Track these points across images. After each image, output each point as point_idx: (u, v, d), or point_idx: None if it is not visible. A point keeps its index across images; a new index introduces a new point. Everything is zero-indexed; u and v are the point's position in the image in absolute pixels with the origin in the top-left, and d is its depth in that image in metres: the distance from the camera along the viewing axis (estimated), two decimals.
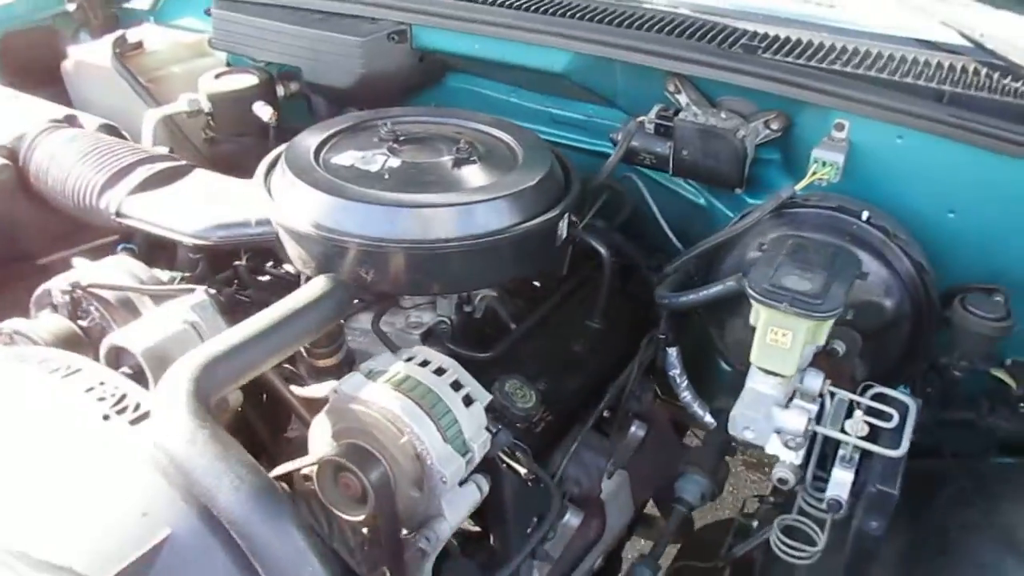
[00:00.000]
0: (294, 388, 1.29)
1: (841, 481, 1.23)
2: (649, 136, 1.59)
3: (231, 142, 1.92)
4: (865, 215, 1.38)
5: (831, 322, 1.17)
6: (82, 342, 1.26)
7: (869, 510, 1.15)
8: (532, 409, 1.36)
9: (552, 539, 1.38)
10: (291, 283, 1.59)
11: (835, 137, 1.44)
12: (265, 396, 1.36)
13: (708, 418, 1.67)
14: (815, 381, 1.24)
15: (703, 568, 1.71)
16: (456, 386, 1.12)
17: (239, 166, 1.64)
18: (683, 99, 1.59)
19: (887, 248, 1.38)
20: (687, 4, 1.68)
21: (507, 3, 1.71)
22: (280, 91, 1.94)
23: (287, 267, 1.64)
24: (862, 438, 1.21)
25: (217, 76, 1.91)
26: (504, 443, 1.17)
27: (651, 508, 1.94)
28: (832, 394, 1.26)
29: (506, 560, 1.21)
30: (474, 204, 1.35)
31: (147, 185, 1.50)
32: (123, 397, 0.98)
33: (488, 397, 1.16)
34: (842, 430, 1.23)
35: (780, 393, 1.22)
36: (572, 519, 1.48)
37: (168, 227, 1.43)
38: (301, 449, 1.14)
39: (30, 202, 1.61)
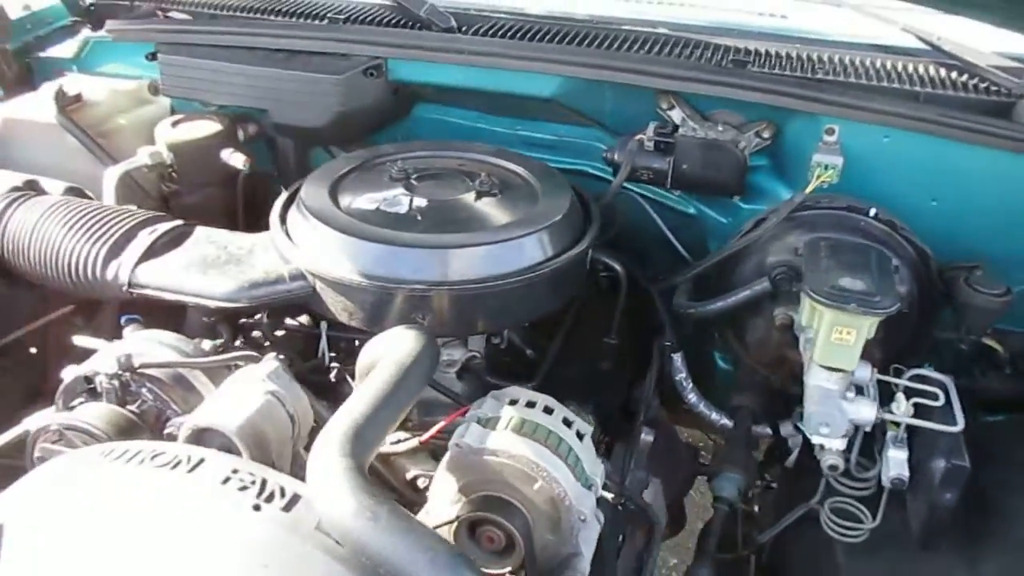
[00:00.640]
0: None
1: (899, 460, 1.33)
2: (647, 153, 1.64)
3: (195, 193, 1.81)
4: (873, 211, 1.50)
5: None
6: (139, 428, 1.16)
7: (943, 483, 1.25)
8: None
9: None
10: (309, 337, 1.54)
11: (828, 141, 1.54)
12: None
13: (714, 416, 1.74)
14: (865, 371, 1.33)
15: (728, 559, 1.78)
16: (567, 423, 1.12)
17: (204, 218, 1.56)
18: (676, 115, 1.65)
19: (893, 240, 1.50)
20: (660, 23, 1.75)
21: (492, 32, 1.71)
22: (239, 135, 1.85)
23: (298, 320, 1.58)
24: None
25: (174, 125, 1.80)
26: (607, 471, 1.19)
27: None
28: (878, 382, 1.36)
29: None
30: (521, 239, 1.35)
31: (155, 250, 1.40)
32: (264, 483, 0.92)
33: (590, 427, 1.17)
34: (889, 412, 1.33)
35: (842, 388, 1.31)
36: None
37: (194, 293, 1.34)
38: None
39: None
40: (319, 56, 1.75)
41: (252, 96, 1.79)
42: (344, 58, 1.74)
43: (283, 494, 0.91)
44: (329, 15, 1.81)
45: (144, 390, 1.18)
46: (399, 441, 1.30)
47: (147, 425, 1.17)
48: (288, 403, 1.13)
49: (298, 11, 1.86)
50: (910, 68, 1.60)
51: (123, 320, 1.44)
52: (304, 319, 1.57)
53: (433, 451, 1.33)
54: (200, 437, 1.08)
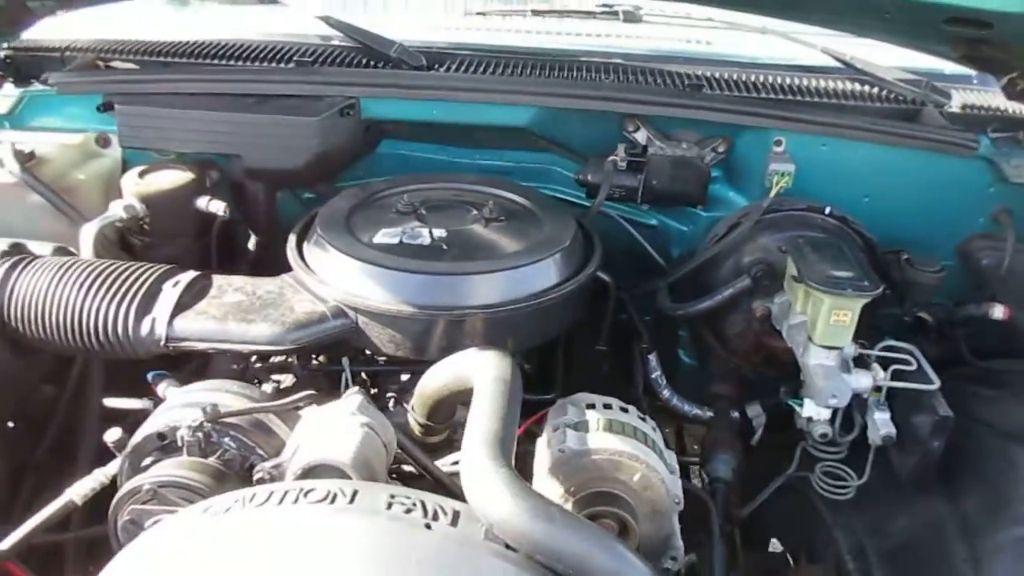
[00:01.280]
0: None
1: (885, 420, 1.53)
2: (620, 172, 1.78)
3: (170, 244, 1.77)
4: (828, 210, 1.72)
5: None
6: (228, 478, 1.16)
7: (933, 433, 1.46)
8: None
9: None
10: (331, 375, 1.56)
11: (777, 152, 1.76)
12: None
13: (687, 408, 1.90)
14: (850, 347, 1.54)
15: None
16: (642, 419, 1.24)
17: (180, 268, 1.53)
18: (641, 136, 1.81)
19: (845, 233, 1.72)
20: (613, 53, 1.91)
21: (463, 68, 1.80)
22: (205, 182, 1.84)
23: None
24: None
25: (142, 176, 1.76)
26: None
27: None
28: (859, 355, 1.56)
29: None
30: (547, 259, 1.46)
31: (184, 303, 1.39)
32: (423, 503, 0.96)
33: (652, 423, 1.29)
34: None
35: (838, 363, 1.50)
36: None
37: (238, 340, 1.34)
38: None
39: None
40: (293, 99, 1.77)
41: (222, 142, 1.78)
42: (318, 100, 1.77)
43: (444, 511, 0.97)
44: (296, 58, 1.84)
45: (227, 439, 1.18)
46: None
47: (235, 473, 1.17)
48: (380, 433, 1.18)
49: (260, 55, 1.87)
50: (833, 85, 1.85)
51: (151, 377, 1.41)
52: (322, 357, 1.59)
53: None
54: (310, 474, 1.10)
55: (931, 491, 1.56)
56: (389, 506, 0.96)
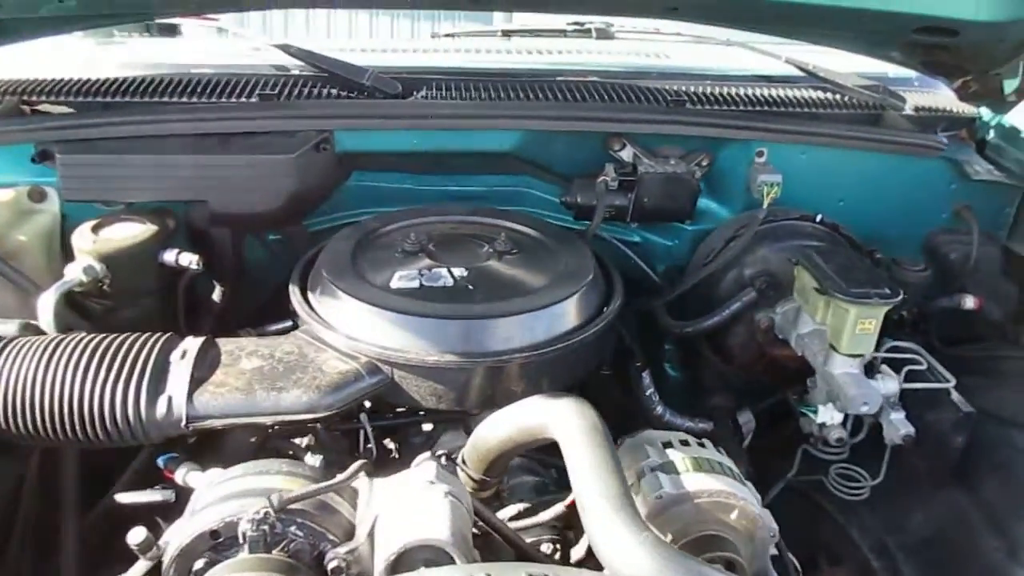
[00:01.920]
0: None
1: (902, 420, 1.57)
2: (611, 192, 1.75)
3: (133, 306, 1.59)
4: (819, 217, 1.75)
5: None
6: (300, 571, 1.03)
7: (955, 430, 1.51)
8: None
9: None
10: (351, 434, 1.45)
11: (759, 163, 1.78)
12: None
13: (679, 422, 1.89)
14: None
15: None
16: (718, 451, 1.20)
17: (143, 332, 1.35)
18: (627, 154, 1.78)
19: (836, 239, 1.76)
20: (589, 71, 1.87)
21: (441, 93, 1.72)
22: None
23: None
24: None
25: (95, 230, 1.57)
26: None
27: None
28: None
29: None
30: (580, 292, 1.41)
31: (199, 375, 1.23)
32: None
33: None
34: None
35: (861, 369, 1.52)
36: None
37: (271, 412, 1.21)
38: None
39: None
40: (260, 136, 1.63)
41: (186, 188, 1.62)
42: (290, 135, 1.64)
43: None
44: (259, 91, 1.69)
45: (292, 528, 1.05)
46: (518, 515, 1.28)
47: (304, 563, 1.05)
48: (462, 500, 1.09)
49: (214, 90, 1.71)
50: (803, 94, 1.89)
51: (163, 462, 1.25)
52: None
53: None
54: (403, 557, 1.00)
55: (946, 485, 1.61)
56: None
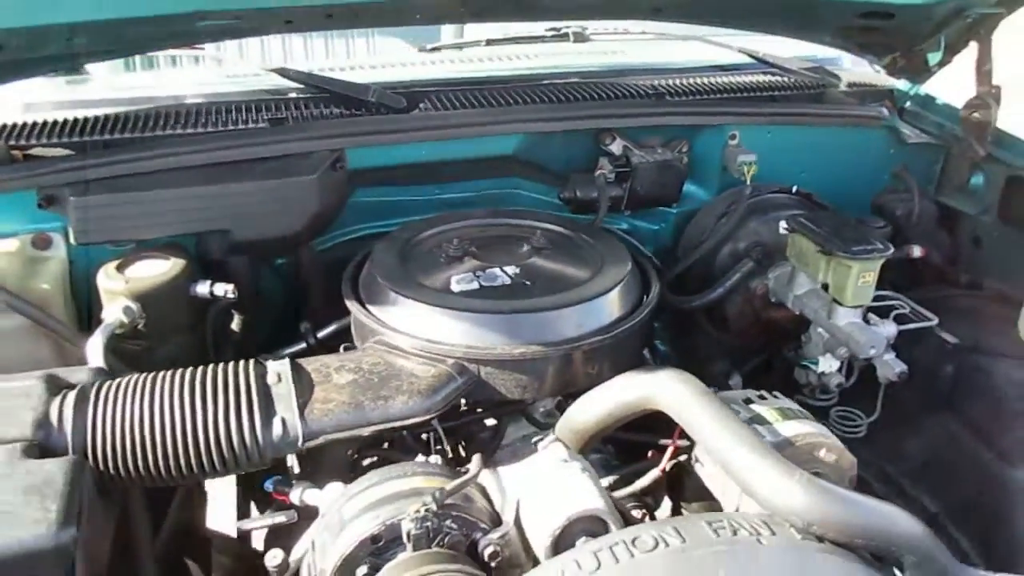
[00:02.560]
0: None
1: (895, 359, 1.76)
2: (609, 184, 1.87)
3: (168, 343, 1.56)
4: (795, 189, 1.93)
5: None
6: (463, 559, 1.09)
7: (945, 360, 1.72)
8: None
9: None
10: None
11: (732, 145, 1.94)
12: None
13: None
14: None
15: None
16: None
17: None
18: (616, 147, 1.89)
19: (810, 206, 1.95)
20: (571, 73, 1.98)
21: (445, 104, 1.77)
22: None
23: None
24: None
25: (120, 270, 1.53)
26: None
27: None
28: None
29: None
30: (627, 278, 1.51)
31: (302, 395, 1.25)
32: (738, 523, 0.99)
33: None
34: None
35: (861, 318, 1.70)
36: None
37: (382, 421, 1.25)
38: None
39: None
40: (274, 160, 1.63)
41: (204, 219, 1.60)
42: (305, 157, 1.65)
43: (750, 525, 1.00)
44: (266, 117, 1.69)
45: (448, 521, 1.10)
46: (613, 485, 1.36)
47: (460, 552, 1.10)
48: (588, 470, 1.17)
49: (218, 118, 1.69)
50: (759, 79, 2.07)
51: (271, 485, 1.26)
52: None
53: None
54: (567, 531, 1.07)
55: (934, 413, 1.82)
56: (717, 532, 0.97)
